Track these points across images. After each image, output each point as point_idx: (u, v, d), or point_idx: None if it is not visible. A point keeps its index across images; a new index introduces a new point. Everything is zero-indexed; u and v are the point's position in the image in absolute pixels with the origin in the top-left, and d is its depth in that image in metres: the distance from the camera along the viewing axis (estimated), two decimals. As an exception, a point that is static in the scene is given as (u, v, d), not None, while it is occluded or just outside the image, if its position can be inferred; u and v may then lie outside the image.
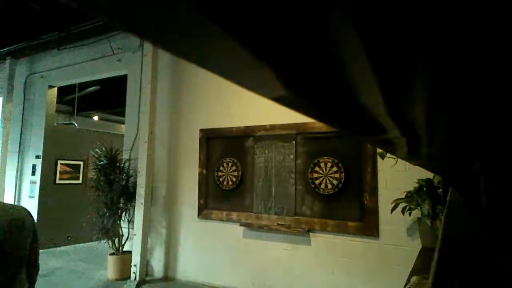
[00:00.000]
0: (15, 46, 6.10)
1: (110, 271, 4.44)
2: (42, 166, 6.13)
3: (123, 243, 4.57)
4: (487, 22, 0.13)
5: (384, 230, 3.33)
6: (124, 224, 4.61)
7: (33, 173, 6.21)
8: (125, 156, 4.87)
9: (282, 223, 3.81)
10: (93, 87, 7.53)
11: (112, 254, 4.50)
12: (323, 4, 0.12)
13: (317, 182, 3.68)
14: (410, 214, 2.98)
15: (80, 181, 6.72)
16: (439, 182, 2.60)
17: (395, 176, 3.30)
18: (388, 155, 2.80)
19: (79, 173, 6.73)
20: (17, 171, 6.43)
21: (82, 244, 6.41)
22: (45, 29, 5.51)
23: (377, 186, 3.40)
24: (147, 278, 4.45)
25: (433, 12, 0.13)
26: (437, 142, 0.51)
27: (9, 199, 6.35)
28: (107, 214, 4.47)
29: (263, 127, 4.03)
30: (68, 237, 6.37)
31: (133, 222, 4.50)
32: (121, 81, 5.40)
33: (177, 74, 4.75)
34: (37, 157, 6.21)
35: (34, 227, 1.63)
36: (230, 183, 4.20)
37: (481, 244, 0.64)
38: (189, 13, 0.12)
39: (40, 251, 5.54)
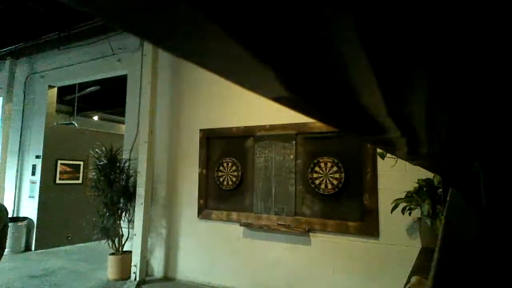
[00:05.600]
0: (15, 46, 6.10)
1: (110, 271, 4.44)
2: (42, 166, 6.13)
3: (123, 243, 4.57)
4: (486, 23, 0.13)
5: (384, 230, 3.33)
6: (124, 224, 4.61)
7: (33, 173, 6.21)
8: (125, 156, 4.87)
9: (282, 223, 3.81)
10: (93, 87, 7.53)
11: (112, 254, 4.50)
12: (324, 5, 0.12)
13: (317, 182, 3.68)
14: (410, 214, 2.98)
15: (80, 181, 6.72)
16: (439, 182, 2.60)
17: (395, 176, 3.30)
18: (388, 155, 2.80)
19: (79, 173, 6.73)
20: (17, 171, 6.43)
21: (82, 244, 6.40)
22: (45, 29, 5.51)
23: (377, 186, 3.40)
24: (147, 278, 4.45)
25: (432, 14, 0.13)
26: (437, 142, 0.51)
27: (9, 199, 6.35)
28: (107, 214, 4.47)
29: (263, 127, 4.03)
30: (68, 237, 6.37)
31: (133, 222, 4.50)
32: (121, 81, 5.40)
33: (177, 74, 4.75)
34: (37, 157, 6.21)
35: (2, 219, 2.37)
36: (230, 183, 4.20)
37: (481, 244, 0.64)
38: (189, 13, 0.12)
39: (40, 251, 5.58)
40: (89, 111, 9.84)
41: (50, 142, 6.25)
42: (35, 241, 5.96)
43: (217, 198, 4.31)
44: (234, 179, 4.18)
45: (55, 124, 6.72)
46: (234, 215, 4.13)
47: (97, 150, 4.70)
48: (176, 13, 0.12)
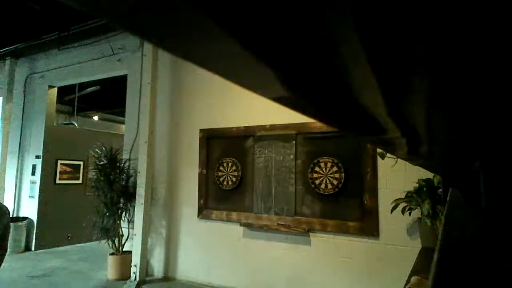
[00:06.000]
0: (15, 46, 6.10)
1: (110, 271, 4.44)
2: (42, 166, 6.13)
3: (123, 243, 4.57)
4: (486, 22, 0.13)
5: (384, 230, 3.33)
6: (124, 224, 4.61)
7: (33, 173, 6.21)
8: (125, 156, 4.87)
9: (282, 223, 3.81)
10: (93, 87, 7.54)
11: (112, 254, 4.50)
12: (324, 5, 0.12)
13: (317, 182, 3.68)
14: (410, 214, 2.98)
15: (80, 181, 6.72)
16: (439, 182, 2.60)
17: (395, 176, 3.30)
18: (388, 155, 2.80)
19: (79, 173, 6.73)
20: (17, 171, 6.43)
21: (82, 244, 6.41)
22: (45, 29, 5.51)
23: (377, 186, 3.40)
24: (147, 278, 4.45)
25: (432, 13, 0.13)
26: (437, 142, 0.51)
27: (9, 199, 6.35)
28: (107, 214, 4.47)
29: (263, 127, 4.03)
30: (68, 237, 6.37)
31: (133, 222, 4.50)
32: (121, 81, 5.40)
33: (177, 74, 4.75)
34: (37, 157, 6.21)
35: (3, 220, 2.28)
36: (230, 183, 4.20)
37: (481, 244, 0.64)
38: (189, 13, 0.12)
39: (40, 251, 5.55)
40: (89, 111, 9.85)
41: (50, 142, 6.25)
42: (35, 241, 5.96)
43: (217, 198, 4.31)
44: (234, 179, 4.18)
45: (55, 124, 6.72)
46: (234, 215, 4.13)
47: (97, 150, 4.70)
48: (176, 13, 0.12)
